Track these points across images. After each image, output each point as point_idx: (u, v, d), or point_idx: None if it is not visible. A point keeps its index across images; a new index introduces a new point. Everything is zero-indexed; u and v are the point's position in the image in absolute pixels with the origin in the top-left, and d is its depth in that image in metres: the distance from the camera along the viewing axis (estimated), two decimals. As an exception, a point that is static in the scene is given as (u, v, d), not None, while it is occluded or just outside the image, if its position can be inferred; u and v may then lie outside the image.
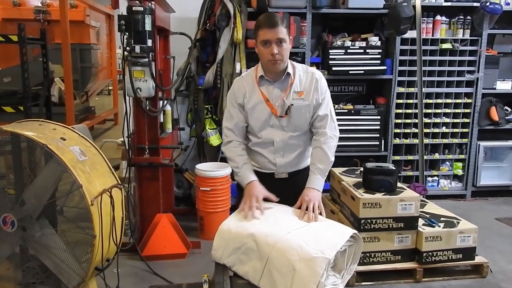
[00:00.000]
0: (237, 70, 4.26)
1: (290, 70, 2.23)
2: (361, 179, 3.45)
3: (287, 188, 2.32)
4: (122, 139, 5.59)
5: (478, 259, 3.34)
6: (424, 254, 3.19)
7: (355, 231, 1.96)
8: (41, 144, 2.53)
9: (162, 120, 3.72)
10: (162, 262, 3.43)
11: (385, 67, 4.72)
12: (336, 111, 4.64)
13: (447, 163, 5.16)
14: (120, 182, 2.88)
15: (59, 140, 2.68)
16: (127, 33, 3.17)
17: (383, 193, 3.21)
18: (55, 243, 2.71)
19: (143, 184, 3.57)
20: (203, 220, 3.88)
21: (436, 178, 5.14)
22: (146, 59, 3.21)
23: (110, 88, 11.85)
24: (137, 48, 3.16)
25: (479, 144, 5.06)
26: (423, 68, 4.78)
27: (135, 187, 3.60)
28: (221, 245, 2.02)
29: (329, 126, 2.32)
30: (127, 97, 3.43)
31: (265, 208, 2.14)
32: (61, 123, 3.00)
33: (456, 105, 5.02)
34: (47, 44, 4.18)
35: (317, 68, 4.76)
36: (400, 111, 4.90)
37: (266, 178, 2.31)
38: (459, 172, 5.15)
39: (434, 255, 3.22)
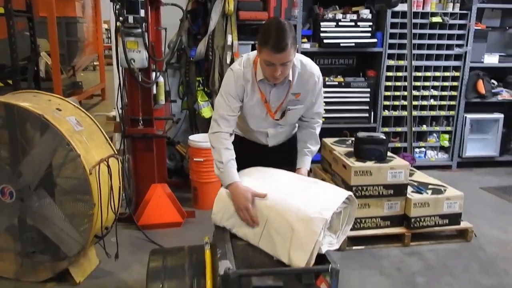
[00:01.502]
0: (229, 42, 4.26)
1: (290, 76, 2.13)
2: (352, 149, 3.54)
3: (274, 151, 2.41)
4: (113, 113, 5.59)
5: (464, 224, 3.49)
6: (412, 220, 3.32)
7: (350, 193, 2.04)
8: (37, 115, 2.54)
9: (155, 92, 3.73)
10: (158, 231, 3.50)
11: (375, 40, 4.77)
12: (327, 83, 4.79)
13: (434, 135, 5.28)
14: (116, 152, 2.91)
15: (55, 110, 2.69)
16: (119, 3, 3.14)
17: (373, 162, 3.31)
18: (54, 213, 2.75)
19: (137, 156, 3.60)
20: (197, 191, 3.94)
21: (423, 149, 5.27)
22: (139, 30, 3.20)
23: (95, 63, 11.68)
24: (130, 18, 3.14)
25: (465, 117, 5.18)
26: (413, 42, 4.84)
27: (130, 159, 3.63)
28: (220, 208, 2.08)
29: (321, 116, 2.42)
30: (120, 68, 3.42)
31: (263, 172, 2.21)
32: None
33: (444, 78, 5.11)
34: (33, 17, 4.11)
35: (308, 41, 4.79)
36: (389, 83, 4.98)
37: (254, 145, 2.38)
38: (446, 143, 5.28)
39: (422, 220, 3.35)
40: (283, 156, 2.41)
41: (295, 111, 2.27)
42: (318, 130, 2.39)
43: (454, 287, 2.84)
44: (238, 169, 2.15)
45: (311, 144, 2.36)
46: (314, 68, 2.22)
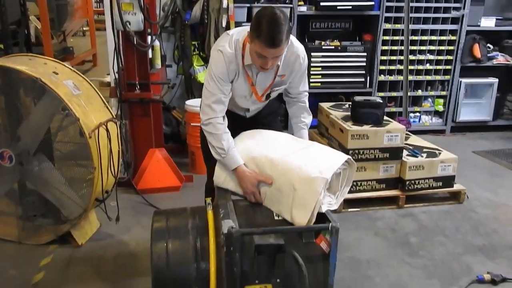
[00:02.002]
0: (224, 5, 4.17)
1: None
2: (348, 113, 3.56)
3: (252, 119, 2.41)
4: (107, 78, 5.52)
5: (456, 187, 3.57)
6: (407, 182, 3.39)
7: (349, 157, 2.08)
8: (35, 78, 2.51)
9: (151, 56, 3.68)
10: (157, 195, 3.55)
11: (372, 3, 4.69)
12: (323, 47, 4.74)
13: (429, 99, 5.30)
14: (114, 117, 2.91)
15: (51, 74, 2.66)
16: (112, -37, 3.06)
17: (370, 125, 3.34)
18: (54, 177, 2.77)
19: (134, 121, 3.59)
20: (194, 155, 3.97)
21: (418, 114, 5.30)
22: (134, -9, 3.13)
23: (85, 29, 11.41)
24: (125, -21, 3.07)
25: (460, 81, 5.20)
26: (410, 4, 4.78)
27: (127, 124, 3.62)
28: (223, 170, 2.11)
29: (307, 90, 2.40)
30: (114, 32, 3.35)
31: (261, 134, 2.23)
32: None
33: (441, 42, 5.08)
34: (22, -22, 4.00)
35: (304, 3, 4.71)
36: (386, 48, 4.94)
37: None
38: (440, 108, 5.32)
39: (416, 183, 3.42)
40: (261, 123, 2.39)
41: (279, 90, 2.28)
42: (307, 102, 2.39)
43: (446, 247, 2.93)
44: None
45: (304, 118, 2.36)
46: (299, 49, 2.17)
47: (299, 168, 1.91)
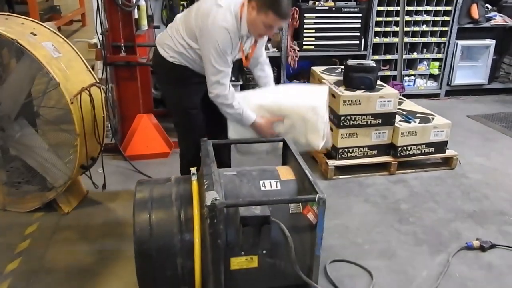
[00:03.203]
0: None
1: None
2: (341, 77, 3.45)
3: None
4: (95, 40, 5.32)
5: (449, 152, 3.53)
6: (399, 149, 3.34)
7: (327, 87, 2.62)
8: (10, 39, 2.38)
9: (136, 16, 3.52)
10: (146, 161, 3.49)
11: (369, -40, 4.49)
12: (317, 8, 4.56)
13: (425, 62, 5.19)
14: (98, 81, 2.80)
15: (29, 35, 2.53)
16: None
17: (363, 90, 3.24)
18: (37, 143, 2.69)
19: (121, 85, 3.48)
20: (184, 121, 3.87)
21: (412, 77, 5.20)
22: None
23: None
24: None
25: (456, 43, 5.06)
26: (408, -38, 4.58)
27: (113, 88, 3.51)
28: (238, 127, 2.43)
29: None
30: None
31: (252, 91, 2.69)
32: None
33: (438, 2, 4.91)
34: None
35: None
36: (381, 8, 4.77)
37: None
38: (435, 71, 5.21)
39: (408, 149, 3.37)
40: None
41: (257, 50, 2.51)
42: (267, 59, 2.68)
43: (436, 213, 2.92)
44: (195, 101, 2.42)
45: (267, 75, 2.66)
46: None
47: (302, 102, 2.40)
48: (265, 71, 2.66)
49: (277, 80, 4.85)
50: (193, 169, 2.03)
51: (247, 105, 2.36)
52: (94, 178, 2.92)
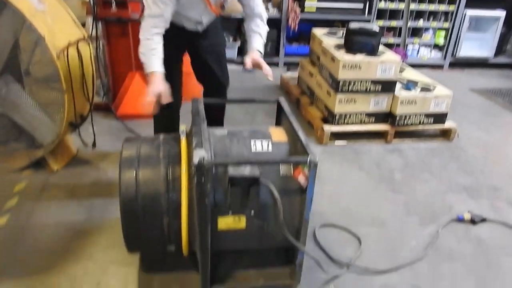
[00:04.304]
0: None
1: None
2: (342, 41, 3.34)
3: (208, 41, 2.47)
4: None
5: (448, 124, 3.45)
6: (398, 117, 3.26)
7: None
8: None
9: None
10: (138, 121, 3.40)
11: None
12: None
13: (430, 31, 5.04)
14: (86, 36, 2.69)
15: (10, -16, 2.39)
16: None
17: (364, 55, 3.14)
18: (23, 100, 2.61)
19: (112, 41, 3.36)
20: (179, 81, 3.78)
21: (417, 46, 5.06)
22: None
23: None
24: None
25: (465, 13, 4.90)
26: None
27: (104, 45, 3.39)
28: None
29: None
30: None
31: None
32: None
33: (448, -33, 4.74)
34: None
35: None
36: (388, -29, 4.60)
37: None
38: (441, 41, 5.07)
39: (407, 118, 3.29)
40: (214, 50, 2.50)
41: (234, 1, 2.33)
42: (263, 16, 2.37)
43: (430, 184, 2.88)
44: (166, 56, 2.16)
45: (256, 25, 2.33)
46: None
47: None
48: (256, 24, 2.38)
49: (277, 42, 4.72)
50: (182, 127, 1.96)
51: None
52: (84, 137, 2.85)
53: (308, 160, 1.67)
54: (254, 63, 2.21)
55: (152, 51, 2.09)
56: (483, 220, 2.50)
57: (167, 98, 2.05)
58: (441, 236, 2.37)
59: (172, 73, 2.26)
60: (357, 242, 2.28)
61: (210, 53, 2.48)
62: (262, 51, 2.31)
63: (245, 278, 1.98)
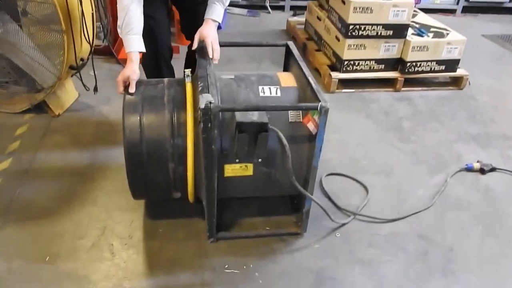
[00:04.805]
0: None
1: None
2: (353, -17, 3.16)
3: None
4: None
5: (459, 72, 3.35)
6: (408, 64, 3.15)
7: None
8: None
9: None
10: (140, 65, 3.30)
11: None
12: None
13: (444, -27, 4.80)
14: (85, -28, 2.53)
15: None
16: None
17: (376, -2, 2.98)
18: (22, 41, 2.51)
19: (112, -20, 3.19)
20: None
21: (429, -10, 4.84)
22: None
23: None
24: None
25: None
26: None
27: (104, -16, 3.21)
28: None
29: None
30: None
31: None
32: None
33: None
34: None
35: None
36: None
37: None
38: (455, -16, 4.84)
39: (418, 65, 3.19)
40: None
41: None
42: None
43: (439, 133, 2.83)
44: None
45: None
46: None
47: None
48: None
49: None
50: (187, 71, 1.88)
51: None
52: (85, 82, 2.77)
53: (319, 106, 1.61)
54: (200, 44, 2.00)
55: (128, 31, 1.93)
56: (493, 169, 2.47)
57: (132, 88, 1.86)
58: (449, 185, 2.35)
59: (156, 12, 2.14)
60: (364, 191, 2.26)
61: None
62: (220, 19, 2.04)
63: (251, 225, 1.99)
